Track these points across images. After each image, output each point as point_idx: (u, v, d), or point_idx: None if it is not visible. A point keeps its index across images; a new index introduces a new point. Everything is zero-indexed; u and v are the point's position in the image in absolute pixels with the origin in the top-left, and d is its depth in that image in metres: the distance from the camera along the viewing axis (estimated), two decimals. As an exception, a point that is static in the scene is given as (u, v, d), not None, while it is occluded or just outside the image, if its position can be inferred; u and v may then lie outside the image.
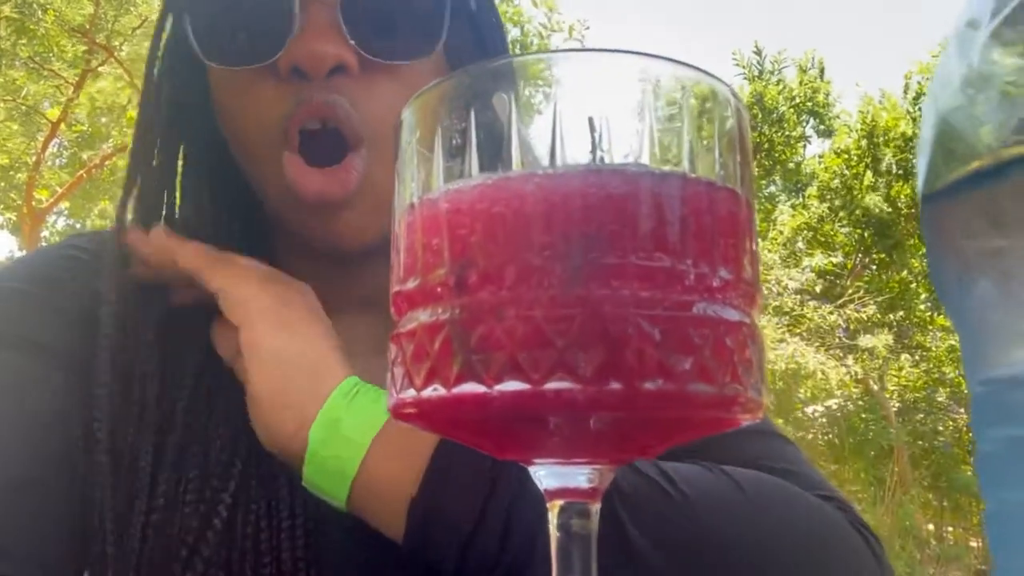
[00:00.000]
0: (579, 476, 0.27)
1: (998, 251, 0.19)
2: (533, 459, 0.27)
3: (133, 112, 8.46)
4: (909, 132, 7.88)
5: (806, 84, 8.71)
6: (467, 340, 0.24)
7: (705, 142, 0.26)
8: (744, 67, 8.58)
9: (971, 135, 0.19)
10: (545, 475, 0.27)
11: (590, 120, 0.25)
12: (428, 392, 0.24)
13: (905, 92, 8.04)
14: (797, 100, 8.65)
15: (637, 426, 0.25)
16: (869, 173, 8.29)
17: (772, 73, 8.68)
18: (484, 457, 0.41)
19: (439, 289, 0.25)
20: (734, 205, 0.26)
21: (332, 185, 0.50)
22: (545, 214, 0.23)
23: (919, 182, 0.21)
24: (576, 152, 0.24)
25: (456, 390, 0.23)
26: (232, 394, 0.50)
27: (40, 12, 6.74)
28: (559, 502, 0.27)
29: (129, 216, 0.56)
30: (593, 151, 0.24)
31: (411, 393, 0.25)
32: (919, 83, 7.88)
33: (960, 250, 0.20)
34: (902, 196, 8.04)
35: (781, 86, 8.64)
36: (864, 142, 8.26)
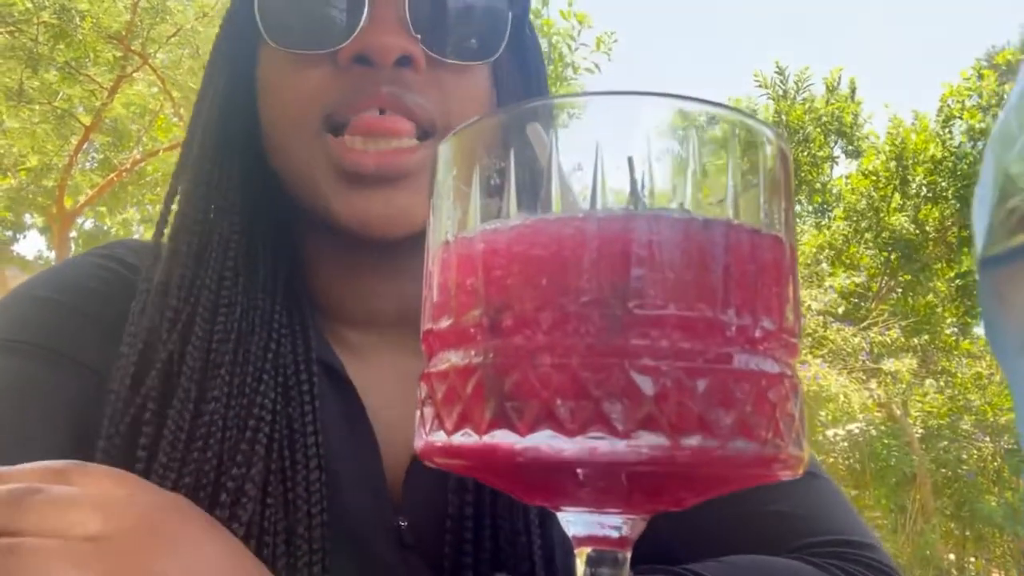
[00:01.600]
0: (609, 525, 0.26)
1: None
2: (562, 506, 0.26)
3: (164, 118, 8.61)
4: (939, 155, 7.77)
5: (833, 104, 8.64)
6: (501, 386, 0.23)
7: (748, 187, 0.25)
8: (768, 87, 8.53)
9: (1039, 197, 0.18)
10: (574, 522, 0.26)
11: (630, 161, 0.24)
12: (459, 437, 0.24)
13: (939, 114, 7.94)
14: (823, 119, 8.58)
15: (673, 481, 0.24)
16: (897, 195, 8.18)
17: (797, 92, 8.62)
18: None
19: (472, 330, 0.24)
20: (778, 252, 0.25)
21: (391, 157, 0.50)
22: (584, 259, 0.23)
23: (978, 242, 0.20)
24: (616, 195, 0.24)
25: (487, 438, 0.23)
26: (249, 422, 0.50)
27: (78, 19, 6.89)
28: (587, 549, 0.26)
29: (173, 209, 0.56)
30: (633, 193, 0.24)
31: (441, 436, 0.24)
32: (950, 106, 7.78)
33: (1021, 316, 0.19)
34: (930, 219, 7.93)
35: (807, 105, 8.58)
36: (893, 164, 8.16)
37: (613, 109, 0.25)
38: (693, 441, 0.22)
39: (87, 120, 7.80)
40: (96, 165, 9.28)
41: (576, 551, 0.27)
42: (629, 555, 0.27)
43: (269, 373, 0.52)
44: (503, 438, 0.23)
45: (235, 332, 0.52)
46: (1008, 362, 0.20)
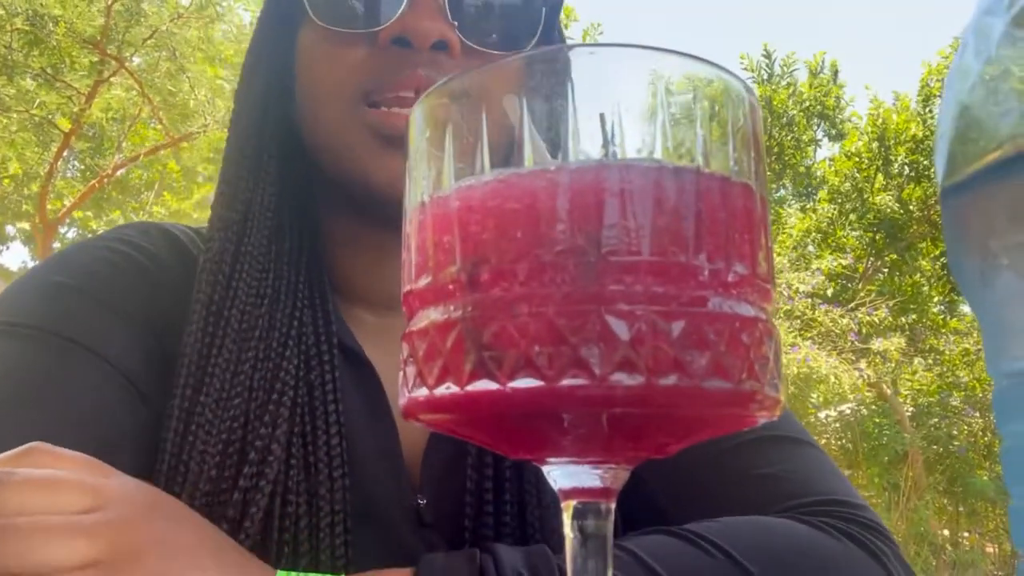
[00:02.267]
0: (593, 475, 0.27)
1: (1020, 244, 0.18)
2: (547, 458, 0.27)
3: (143, 123, 8.54)
4: (920, 134, 7.83)
5: (816, 87, 8.68)
6: (480, 337, 0.23)
7: (719, 137, 0.26)
8: (753, 70, 8.56)
9: (990, 126, 0.18)
10: (559, 475, 0.27)
11: (602, 116, 0.25)
12: (441, 390, 0.24)
13: (919, 93, 8.00)
14: (807, 103, 8.62)
15: (652, 423, 0.24)
16: (880, 175, 8.24)
17: (782, 76, 8.65)
18: None
19: (451, 287, 0.25)
20: (748, 200, 0.26)
21: None
22: (557, 210, 0.23)
23: (938, 175, 0.21)
24: (588, 148, 0.24)
25: (470, 388, 0.23)
26: (275, 385, 0.51)
27: (51, 24, 6.81)
28: (573, 502, 0.27)
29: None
30: (605, 146, 0.24)
31: (423, 392, 0.25)
32: (930, 85, 7.83)
33: (981, 244, 0.19)
34: (914, 198, 7.99)
35: (791, 89, 8.61)
36: (875, 144, 8.21)
37: (583, 62, 0.25)
38: (669, 381, 0.22)
39: (67, 126, 7.73)
40: (77, 173, 9.20)
41: (562, 505, 0.27)
42: (613, 506, 0.27)
43: (293, 339, 0.54)
44: (484, 387, 0.23)
45: (267, 298, 0.54)
46: (971, 292, 0.21)
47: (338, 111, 0.54)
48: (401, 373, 0.27)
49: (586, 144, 0.24)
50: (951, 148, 0.20)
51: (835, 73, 8.79)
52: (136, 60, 7.52)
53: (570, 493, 0.27)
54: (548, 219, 0.23)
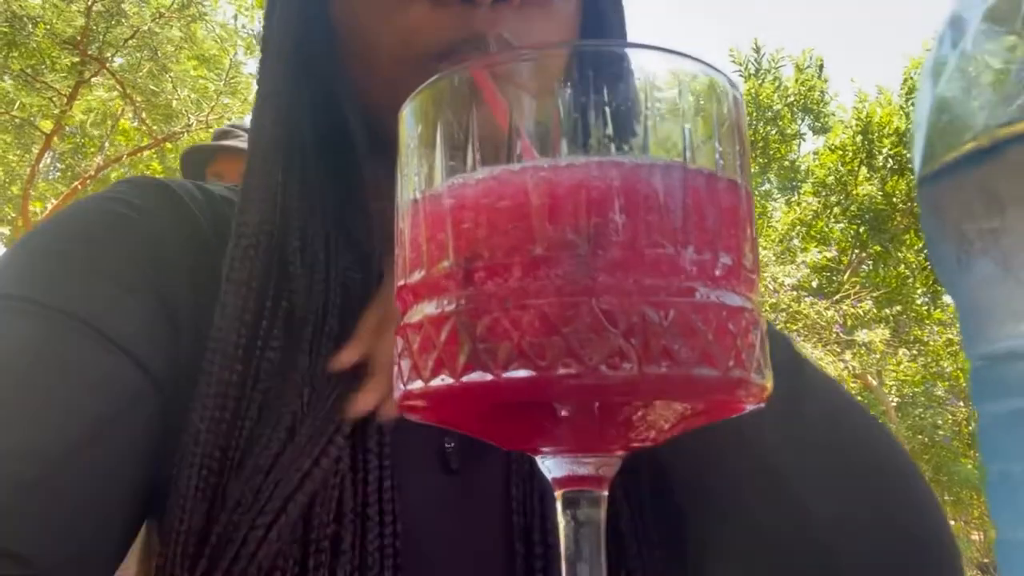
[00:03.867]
0: (587, 464, 0.27)
1: (995, 230, 0.19)
2: (540, 448, 0.27)
3: (126, 122, 8.46)
4: (904, 127, 7.90)
5: (801, 82, 8.74)
6: (473, 330, 0.24)
7: (704, 132, 0.26)
8: (740, 64, 8.60)
9: (966, 115, 0.19)
10: (552, 464, 0.27)
11: (590, 112, 0.25)
12: (436, 382, 0.25)
13: (902, 86, 8.07)
14: (792, 98, 8.67)
15: (642, 412, 0.25)
16: (864, 168, 8.32)
17: (768, 71, 8.71)
18: None
19: (444, 281, 0.25)
20: (733, 193, 0.26)
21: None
22: (549, 207, 0.24)
23: (915, 164, 0.22)
24: (577, 144, 0.25)
25: (464, 379, 0.24)
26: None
27: (31, 25, 6.74)
28: (565, 490, 0.27)
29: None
30: (594, 143, 0.25)
31: (418, 384, 0.25)
32: (913, 78, 7.91)
33: (958, 230, 0.20)
34: (897, 190, 8.07)
35: (777, 83, 8.67)
36: (859, 138, 8.28)
37: (572, 60, 0.26)
38: (659, 369, 0.23)
39: (48, 128, 7.65)
40: (59, 175, 9.12)
41: (556, 494, 0.28)
42: (606, 494, 0.28)
43: (336, 268, 0.52)
44: (479, 378, 0.23)
45: (325, 231, 0.53)
46: (948, 277, 0.22)
47: (405, 72, 0.48)
48: (395, 368, 0.27)
49: (575, 140, 0.25)
50: (928, 138, 0.21)
51: (820, 67, 8.85)
52: (118, 60, 7.45)
53: (563, 481, 0.27)
54: (539, 215, 0.24)
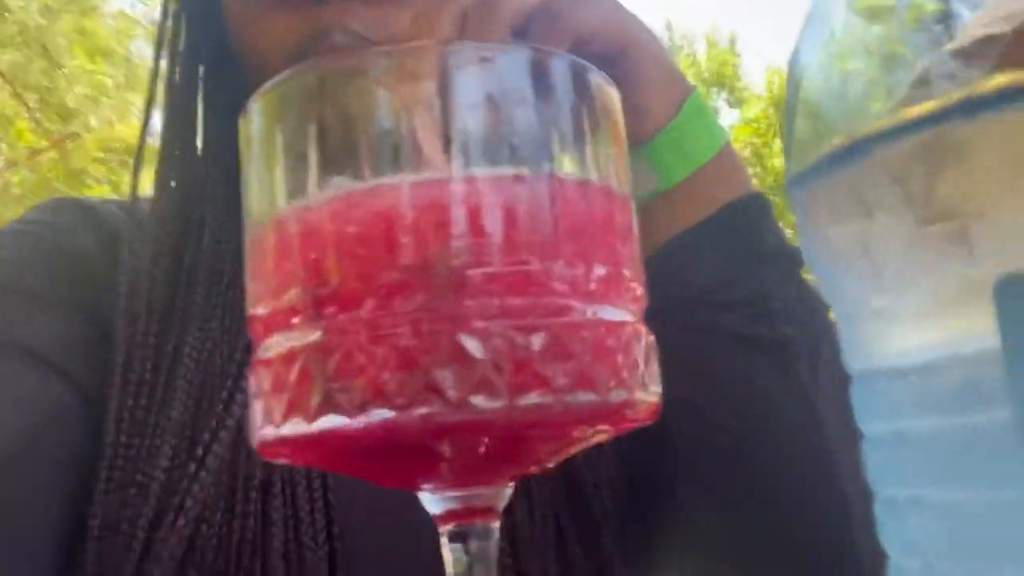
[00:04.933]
0: (473, 498, 0.25)
1: (866, 235, 0.18)
2: (420, 485, 0.25)
3: (23, 123, 7.95)
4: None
5: (714, 58, 8.93)
6: (326, 368, 0.21)
7: (573, 136, 0.24)
8: (652, 44, 8.71)
9: (828, 115, 0.18)
10: (431, 500, 0.25)
11: (445, 123, 0.23)
12: (288, 428, 0.22)
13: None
14: (706, 74, 8.86)
15: (520, 444, 0.23)
16: (778, 140, 8.58)
17: (681, 48, 8.85)
18: None
19: (292, 313, 0.22)
20: (607, 200, 0.24)
21: None
22: (400, 227, 0.21)
23: (786, 169, 0.20)
24: (431, 157, 0.22)
25: (317, 425, 0.21)
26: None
27: (-93, 22, 6.24)
28: (449, 526, 0.25)
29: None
30: (447, 152, 0.22)
31: (271, 430, 0.23)
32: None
33: (827, 237, 0.19)
34: (809, 161, 8.37)
35: (691, 61, 8.83)
36: (772, 110, 8.53)
37: (416, 62, 0.23)
38: (531, 400, 0.21)
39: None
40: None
41: (440, 530, 0.26)
42: (497, 524, 0.26)
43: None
44: (333, 423, 0.21)
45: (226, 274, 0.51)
46: (823, 285, 0.20)
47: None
48: (250, 410, 0.24)
49: (428, 153, 0.22)
50: (792, 138, 0.19)
51: (732, 42, 9.06)
52: (6, 59, 6.97)
53: (446, 517, 0.25)
54: (390, 237, 0.21)
